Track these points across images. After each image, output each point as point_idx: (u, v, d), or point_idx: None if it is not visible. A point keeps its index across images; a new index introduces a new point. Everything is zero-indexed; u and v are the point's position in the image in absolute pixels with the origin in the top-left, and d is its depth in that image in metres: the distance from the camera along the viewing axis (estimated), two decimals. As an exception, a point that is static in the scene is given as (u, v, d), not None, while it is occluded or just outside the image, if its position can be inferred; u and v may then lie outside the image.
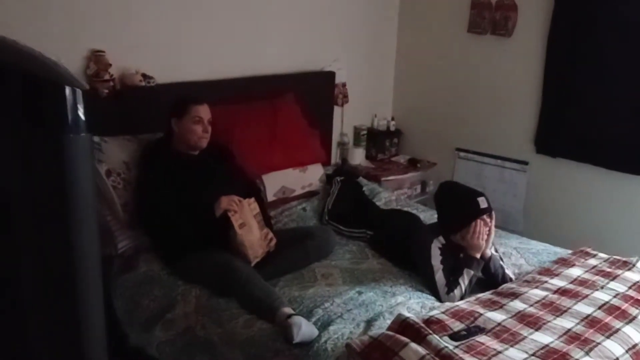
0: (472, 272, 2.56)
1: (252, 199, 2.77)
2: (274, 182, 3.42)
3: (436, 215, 2.90)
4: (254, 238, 2.67)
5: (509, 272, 2.73)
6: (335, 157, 4.30)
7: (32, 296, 0.73)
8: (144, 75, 3.02)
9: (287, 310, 2.27)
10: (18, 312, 0.73)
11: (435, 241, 2.65)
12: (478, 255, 2.60)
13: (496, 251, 2.77)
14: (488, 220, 2.63)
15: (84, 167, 0.74)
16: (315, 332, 2.17)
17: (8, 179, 0.69)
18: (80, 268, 0.77)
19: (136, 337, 2.59)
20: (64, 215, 0.73)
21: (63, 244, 0.74)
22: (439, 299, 2.53)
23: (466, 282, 2.54)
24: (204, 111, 2.82)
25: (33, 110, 0.70)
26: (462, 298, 2.50)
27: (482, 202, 2.63)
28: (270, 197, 3.37)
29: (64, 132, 0.71)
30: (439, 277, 2.56)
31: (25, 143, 0.69)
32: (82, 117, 0.72)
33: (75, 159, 0.72)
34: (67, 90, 0.71)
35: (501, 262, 2.74)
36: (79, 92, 0.72)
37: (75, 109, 0.72)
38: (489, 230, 2.63)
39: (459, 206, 2.68)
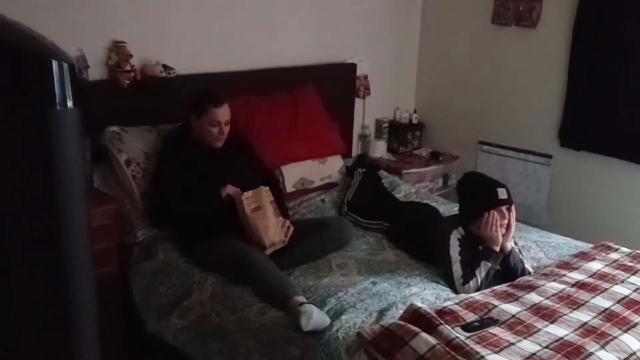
0: (489, 265, 2.53)
1: (267, 187, 2.78)
2: (293, 174, 3.43)
3: (457, 207, 2.88)
4: (269, 223, 2.67)
5: (528, 266, 2.70)
6: (356, 150, 4.29)
7: (15, 272, 0.74)
8: (165, 66, 3.05)
9: (300, 298, 2.27)
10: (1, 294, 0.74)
11: (455, 232, 2.62)
12: (497, 248, 2.57)
13: (515, 244, 2.73)
14: (506, 212, 2.59)
15: (72, 141, 0.74)
16: (327, 320, 2.17)
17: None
18: (68, 248, 0.77)
19: (153, 324, 2.62)
20: (49, 190, 0.73)
21: (49, 220, 0.74)
22: (455, 290, 2.51)
23: (483, 274, 2.51)
24: (222, 114, 2.79)
25: (19, 84, 0.70)
26: (478, 290, 2.47)
27: (502, 193, 2.59)
28: (289, 188, 3.38)
29: (50, 106, 0.72)
30: (456, 268, 2.54)
31: (10, 116, 0.70)
32: (70, 91, 0.73)
33: (62, 133, 0.73)
34: (54, 63, 0.72)
35: (520, 256, 2.70)
36: (66, 66, 0.73)
37: (63, 83, 0.72)
38: (508, 223, 2.60)
39: (478, 195, 2.65)
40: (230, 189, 2.72)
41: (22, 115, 0.71)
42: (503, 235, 2.59)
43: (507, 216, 2.59)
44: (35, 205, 0.73)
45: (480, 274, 2.52)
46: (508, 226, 2.60)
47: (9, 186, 0.71)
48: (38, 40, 0.74)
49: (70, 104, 0.74)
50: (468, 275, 2.51)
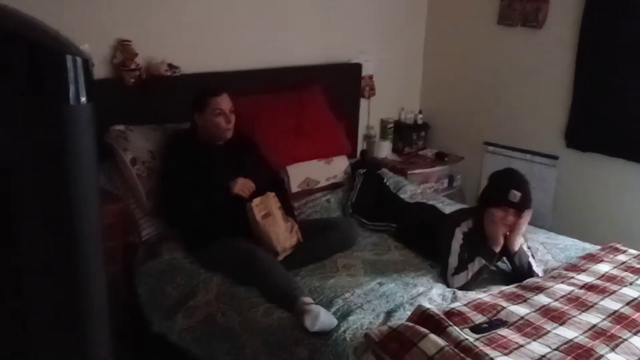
0: (483, 262, 2.50)
1: (273, 193, 2.76)
2: (298, 174, 3.42)
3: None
4: (280, 229, 2.66)
5: (538, 270, 2.64)
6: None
7: (29, 268, 0.73)
8: (170, 65, 3.03)
9: (306, 299, 2.26)
10: (13, 285, 0.73)
11: (463, 224, 2.62)
12: (497, 249, 2.54)
13: (528, 248, 2.70)
14: (513, 215, 2.54)
15: (85, 136, 0.73)
16: (335, 321, 2.15)
17: (7, 148, 0.69)
18: (82, 243, 0.76)
19: (158, 323, 2.61)
20: (63, 184, 0.72)
21: (62, 214, 0.73)
22: (447, 282, 2.53)
23: (475, 269, 2.49)
24: (223, 102, 2.80)
25: (33, 79, 0.69)
26: (466, 286, 2.48)
27: (513, 196, 2.49)
28: (294, 188, 3.37)
29: (64, 101, 0.71)
30: (453, 259, 2.55)
31: (24, 111, 0.69)
32: (84, 86, 0.72)
33: (75, 128, 0.72)
34: (68, 58, 0.70)
35: (531, 259, 2.65)
36: (79, 61, 0.72)
37: (77, 78, 0.71)
38: (514, 228, 2.55)
39: (492, 187, 2.63)
40: (240, 185, 2.71)
41: (36, 110, 0.69)
42: (507, 237, 2.55)
43: (514, 220, 2.54)
44: (48, 201, 0.72)
45: (473, 269, 2.49)
46: (514, 228, 2.56)
47: (22, 182, 0.69)
48: (52, 35, 0.72)
49: (83, 99, 0.73)
50: (460, 267, 2.51)
